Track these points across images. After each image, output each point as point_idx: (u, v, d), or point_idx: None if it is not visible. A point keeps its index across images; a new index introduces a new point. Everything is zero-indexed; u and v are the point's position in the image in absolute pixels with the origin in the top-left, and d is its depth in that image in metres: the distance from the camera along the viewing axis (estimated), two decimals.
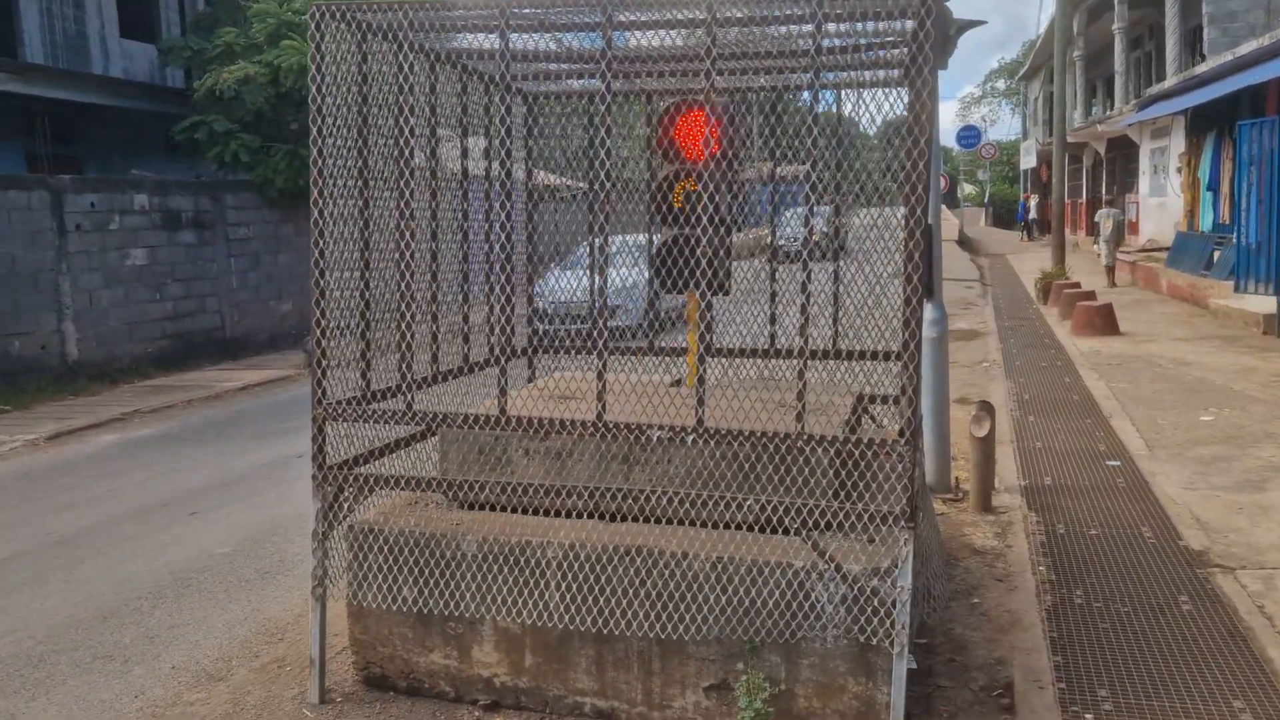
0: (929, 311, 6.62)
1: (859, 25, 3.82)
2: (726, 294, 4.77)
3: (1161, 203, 22.07)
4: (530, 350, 5.29)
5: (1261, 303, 12.73)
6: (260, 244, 16.27)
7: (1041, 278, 18.71)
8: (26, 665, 4.52)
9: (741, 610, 3.52)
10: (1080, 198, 35.49)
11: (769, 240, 5.14)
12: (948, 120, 78.97)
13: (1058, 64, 21.40)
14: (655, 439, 3.58)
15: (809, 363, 5.07)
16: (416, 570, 3.81)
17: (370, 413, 3.87)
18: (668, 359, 5.27)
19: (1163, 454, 7.34)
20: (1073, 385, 10.20)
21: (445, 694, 3.96)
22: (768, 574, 3.52)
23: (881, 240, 4.23)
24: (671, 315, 6.06)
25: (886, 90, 4.33)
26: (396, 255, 4.02)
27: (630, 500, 3.63)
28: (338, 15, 3.67)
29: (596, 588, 3.61)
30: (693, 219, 4.07)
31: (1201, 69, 17.89)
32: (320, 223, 3.73)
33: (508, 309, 4.10)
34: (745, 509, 3.54)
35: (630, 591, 3.59)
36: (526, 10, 3.62)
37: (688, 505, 3.61)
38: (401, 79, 3.79)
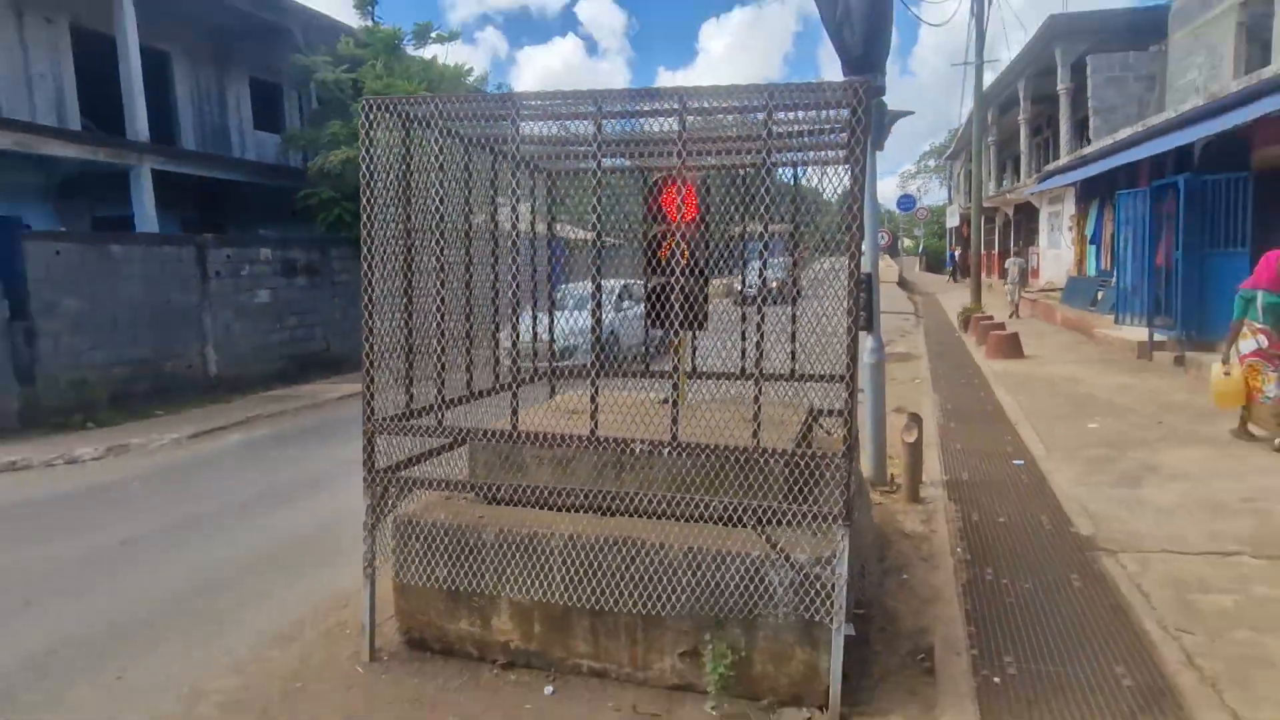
0: (869, 342, 6.37)
1: (809, 114, 3.62)
2: (703, 329, 4.55)
3: (1057, 254, 21.72)
4: (540, 376, 5.07)
5: (1136, 333, 12.42)
6: (356, 286, 15.98)
7: (962, 312, 18.42)
8: (143, 628, 4.34)
9: (709, 591, 3.31)
10: (994, 249, 35.08)
11: (739, 286, 4.94)
12: (891, 190, 78.85)
13: (975, 147, 21.15)
14: (638, 451, 3.36)
15: (775, 382, 4.91)
16: (447, 555, 3.62)
17: (409, 427, 3.67)
18: (659, 379, 5.07)
19: (1058, 455, 7.05)
20: (986, 399, 9.90)
21: (471, 655, 3.76)
22: (730, 562, 3.31)
23: (830, 285, 4.01)
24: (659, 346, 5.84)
25: (834, 166, 4.19)
26: (434, 298, 3.83)
27: (618, 500, 3.42)
28: (385, 106, 3.50)
29: (591, 571, 3.40)
30: (676, 268, 3.86)
31: (1088, 150, 17.64)
32: (369, 274, 3.56)
33: (519, 344, 3.90)
34: (711, 508, 3.31)
35: (619, 574, 3.38)
36: (534, 102, 3.43)
37: (666, 504, 3.39)
38: (435, 156, 3.62)
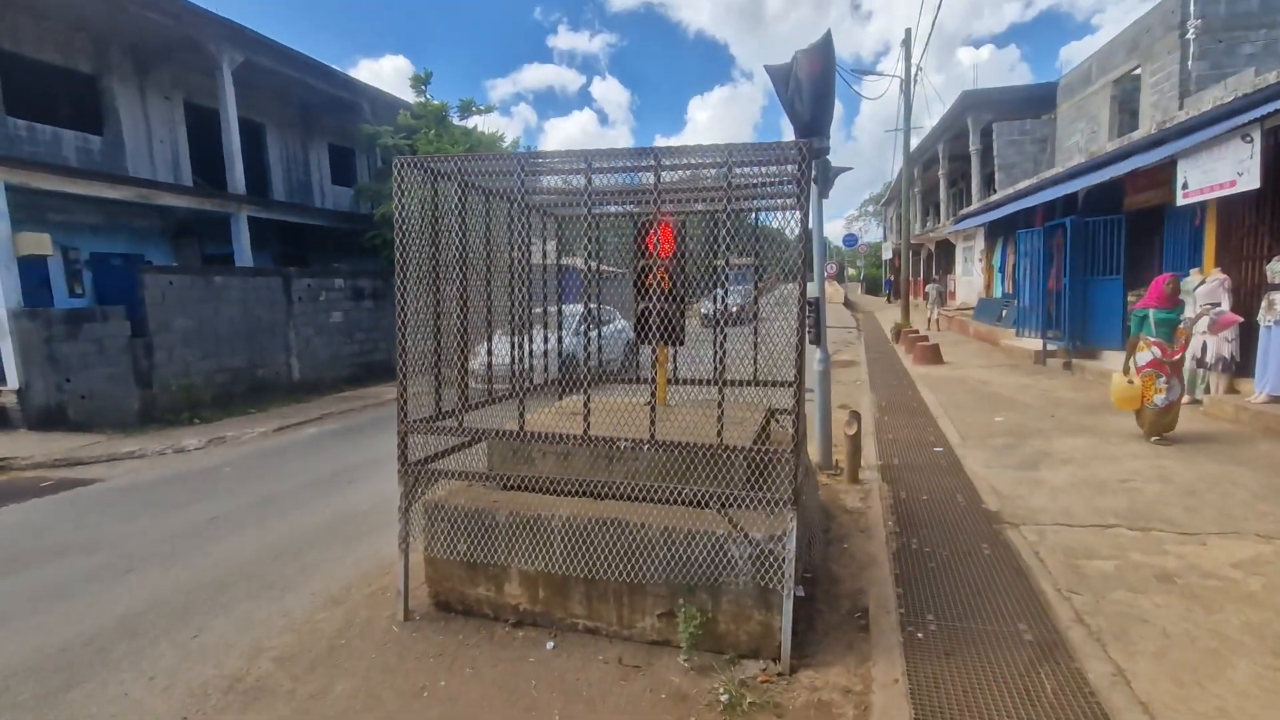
0: (817, 354, 6.21)
1: (767, 169, 3.45)
2: (681, 344, 4.39)
3: (970, 280, 21.50)
4: (552, 382, 4.90)
5: (1033, 343, 12.22)
6: None
7: (894, 327, 18.17)
8: (217, 591, 4.17)
9: (681, 563, 3.14)
10: (920, 276, 34.88)
11: (711, 309, 4.80)
12: (839, 229, 78.57)
13: (904, 196, 20.97)
14: (623, 448, 3.20)
15: (741, 387, 4.75)
16: (467, 533, 3.45)
17: (435, 428, 3.51)
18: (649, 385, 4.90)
19: (971, 443, 6.87)
20: (913, 396, 9.71)
21: (487, 615, 3.59)
22: (699, 539, 3.14)
23: (784, 308, 3.86)
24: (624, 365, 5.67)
25: (787, 211, 4.04)
26: (458, 319, 3.68)
27: (608, 487, 3.25)
28: (413, 164, 3.35)
29: (585, 546, 3.23)
30: (655, 295, 3.71)
31: (994, 198, 17.44)
32: (402, 301, 3.40)
33: (527, 359, 3.74)
34: (683, 495, 3.15)
35: (607, 549, 3.21)
36: (539, 160, 3.28)
37: (647, 491, 3.22)
38: (456, 204, 3.46)
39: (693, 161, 3.03)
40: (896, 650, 3.16)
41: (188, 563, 4.63)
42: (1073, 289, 10.90)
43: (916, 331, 16.13)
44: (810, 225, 6.28)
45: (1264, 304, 6.81)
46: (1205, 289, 7.62)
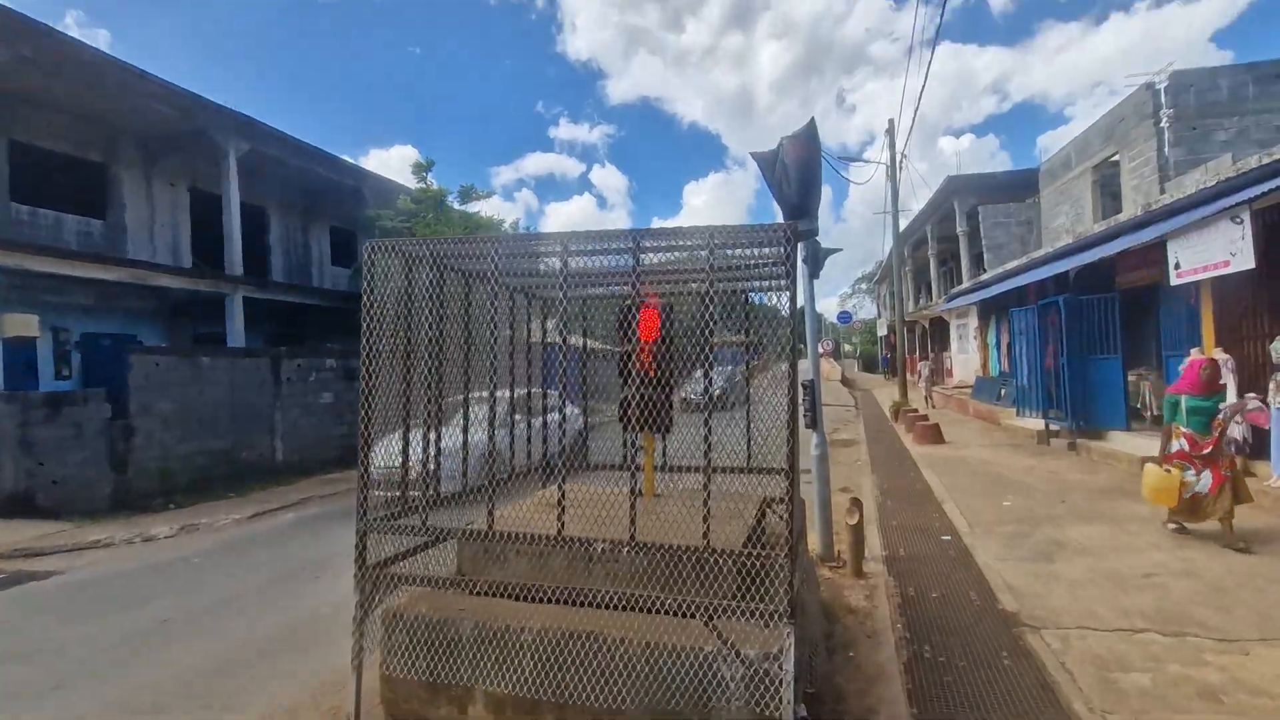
0: (814, 437, 5.95)
1: (759, 250, 3.30)
2: (668, 432, 4.14)
3: (966, 358, 21.46)
4: (518, 474, 4.60)
5: (1034, 423, 11.96)
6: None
7: (893, 405, 17.96)
8: (150, 713, 3.70)
9: (666, 685, 2.77)
10: (915, 354, 35.00)
11: (691, 393, 4.57)
12: (833, 307, 79.80)
13: (895, 276, 21.26)
14: (599, 551, 2.90)
15: (735, 474, 4.46)
16: (428, 647, 3.08)
17: (396, 527, 3.20)
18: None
19: (979, 531, 6.49)
20: (916, 478, 9.36)
21: None
22: (685, 656, 2.78)
23: (775, 391, 3.64)
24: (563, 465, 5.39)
25: (776, 293, 3.92)
26: (431, 406, 3.44)
27: (584, 595, 2.92)
28: (384, 247, 3.21)
29: (558, 664, 2.87)
30: (634, 381, 3.50)
31: (984, 278, 17.62)
32: (368, 390, 3.17)
33: (497, 449, 3.48)
34: (666, 605, 2.82)
35: (583, 668, 2.84)
36: (514, 244, 3.14)
37: (628, 598, 2.89)
38: (425, 287, 3.29)
39: (674, 244, 2.89)
40: None
41: (125, 676, 4.17)
42: (1071, 368, 10.75)
43: (916, 410, 15.89)
44: (801, 305, 6.17)
45: (1272, 385, 6.62)
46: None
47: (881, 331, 44.89)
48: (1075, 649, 3.92)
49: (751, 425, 4.37)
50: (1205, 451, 5.64)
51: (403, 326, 3.33)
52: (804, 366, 6.05)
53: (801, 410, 5.92)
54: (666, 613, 2.90)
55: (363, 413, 3.14)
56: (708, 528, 2.79)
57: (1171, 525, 5.97)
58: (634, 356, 3.88)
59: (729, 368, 4.66)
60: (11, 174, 11.52)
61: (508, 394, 3.89)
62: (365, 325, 3.15)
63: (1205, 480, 5.59)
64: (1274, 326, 7.19)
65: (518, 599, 3.27)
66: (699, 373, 3.48)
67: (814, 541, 5.96)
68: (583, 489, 4.05)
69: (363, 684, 3.23)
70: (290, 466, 12.27)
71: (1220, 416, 5.68)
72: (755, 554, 2.75)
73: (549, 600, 3.02)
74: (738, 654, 2.70)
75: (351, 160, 16.64)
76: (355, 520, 3.17)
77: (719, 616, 2.75)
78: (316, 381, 13.13)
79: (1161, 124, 12.75)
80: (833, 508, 6.17)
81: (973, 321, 19.88)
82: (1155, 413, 10.48)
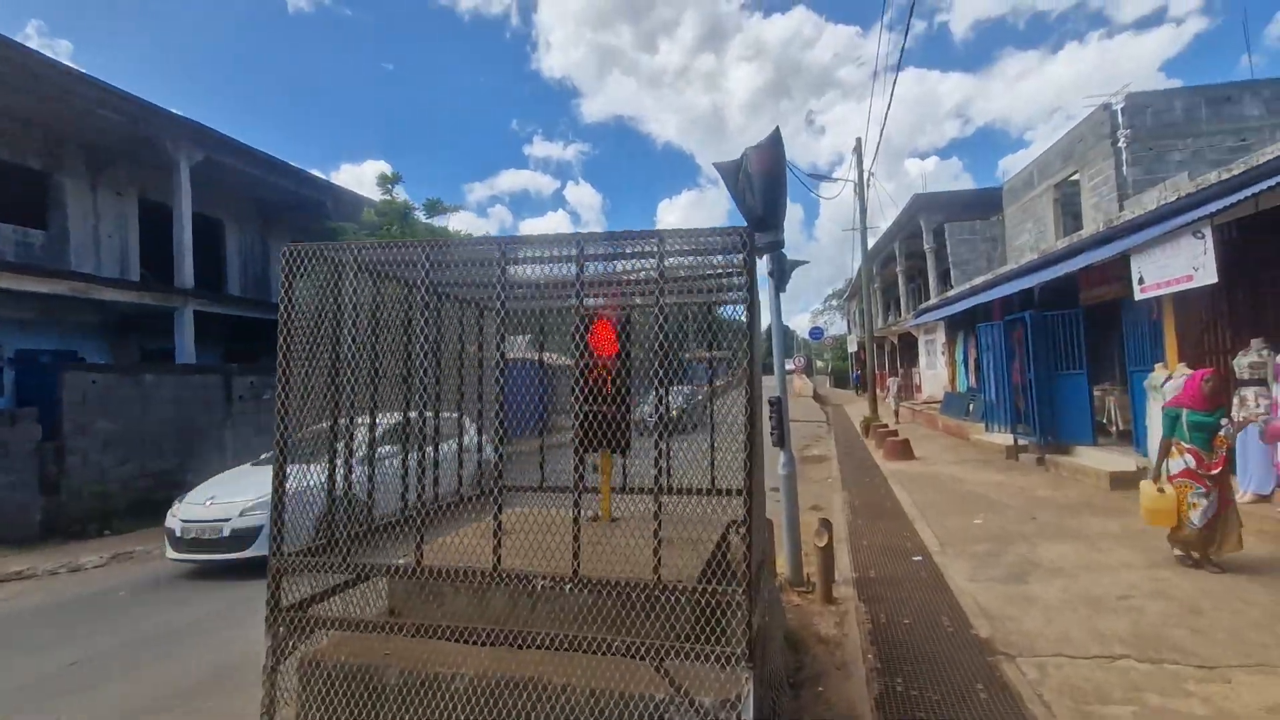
0: (782, 456, 5.73)
1: (721, 259, 3.07)
2: (625, 452, 3.87)
3: (934, 373, 21.60)
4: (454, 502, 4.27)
5: (1002, 438, 11.95)
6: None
7: (863, 421, 17.95)
8: None
9: None
10: (884, 369, 35.34)
11: (648, 413, 4.31)
12: (805, 323, 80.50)
13: (865, 293, 21.39)
14: (539, 587, 2.61)
15: (696, 497, 4.19)
16: (349, 699, 2.73)
17: (313, 564, 2.87)
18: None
19: (951, 551, 6.32)
20: (886, 495, 9.21)
21: None
22: (634, 705, 2.49)
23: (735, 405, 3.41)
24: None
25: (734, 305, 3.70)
26: (360, 431, 3.12)
27: (525, 637, 2.62)
28: (306, 252, 2.90)
29: (494, 716, 2.55)
30: (583, 397, 3.25)
31: (951, 294, 17.79)
32: (283, 410, 2.85)
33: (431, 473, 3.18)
34: (613, 646, 2.53)
35: (522, 718, 2.54)
36: (445, 249, 2.87)
37: (573, 640, 2.59)
38: (351, 295, 2.99)
39: (622, 250, 2.65)
40: None
41: None
42: (1038, 383, 10.76)
43: (886, 426, 15.86)
44: (769, 320, 5.97)
45: (1235, 401, 6.60)
46: (1172, 385, 7.43)
47: (852, 348, 45.34)
48: (1052, 679, 3.72)
49: (717, 444, 4.12)
50: (1215, 471, 5.21)
51: (329, 341, 3.02)
52: (771, 382, 5.85)
53: (769, 427, 5.70)
54: (618, 653, 2.61)
55: (277, 436, 2.82)
56: (658, 561, 2.52)
57: (1179, 553, 5.45)
58: (587, 371, 3.62)
59: (688, 387, 4.42)
60: None
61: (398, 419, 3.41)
62: (282, 339, 2.84)
63: (1214, 503, 5.17)
64: (1236, 341, 7.21)
65: (456, 640, 2.95)
66: (652, 393, 3.22)
67: (782, 564, 5.72)
68: (538, 514, 3.76)
69: None
70: None
71: (1223, 433, 5.30)
72: (710, 589, 2.49)
73: (484, 642, 2.71)
74: (691, 702, 2.43)
75: (317, 173, 16.20)
76: (268, 558, 2.83)
77: (670, 659, 2.47)
78: (270, 398, 12.58)
79: (1119, 143, 13.00)
80: (802, 529, 5.95)
81: (940, 337, 20.04)
82: (1121, 427, 10.52)
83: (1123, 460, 9.02)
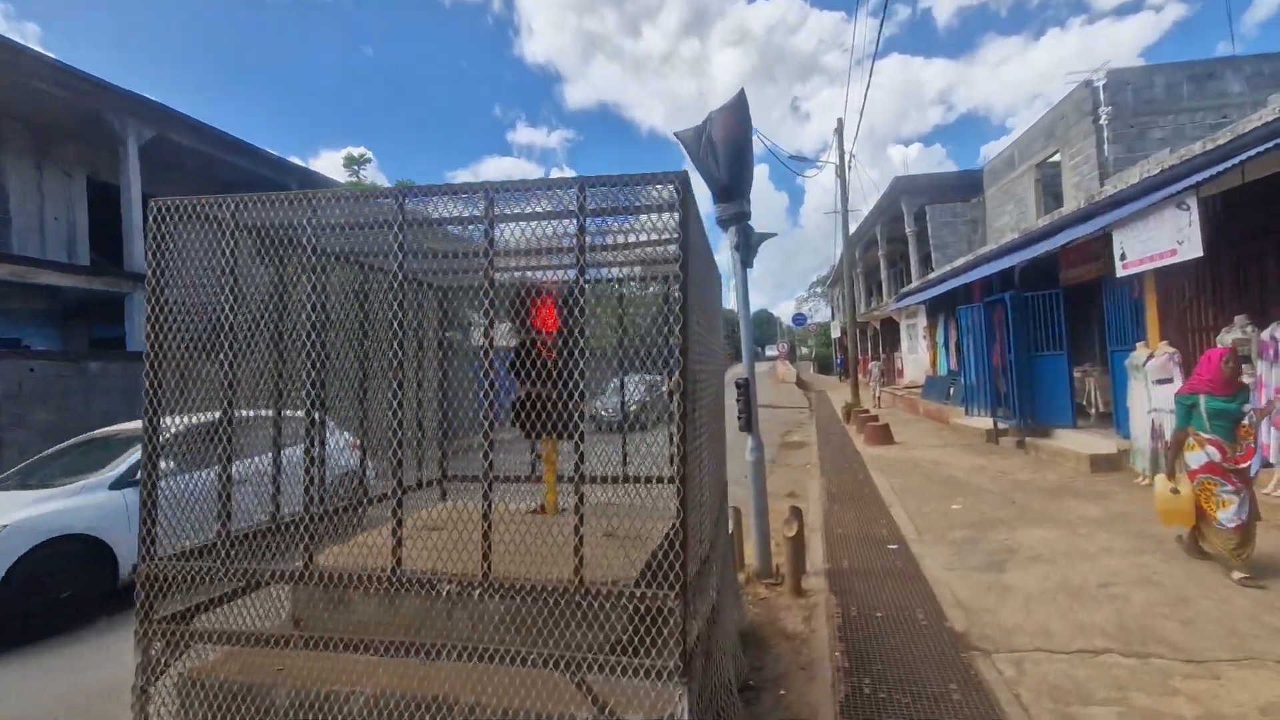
0: (749, 441, 5.41)
1: (648, 219, 2.69)
2: (572, 439, 3.52)
3: (915, 357, 21.45)
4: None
5: (982, 422, 11.76)
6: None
7: (845, 406, 17.74)
8: None
9: None
10: (867, 354, 35.26)
11: (604, 407, 3.94)
12: (790, 310, 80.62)
13: (847, 277, 21.14)
14: (445, 593, 2.25)
15: (651, 485, 3.85)
16: None
17: (191, 569, 2.49)
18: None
19: (928, 538, 6.06)
20: (864, 481, 8.96)
21: None
22: None
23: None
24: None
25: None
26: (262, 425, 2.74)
27: (436, 648, 2.27)
28: (174, 208, 2.50)
29: None
30: (542, 378, 2.90)
31: (932, 276, 17.57)
32: (154, 390, 2.45)
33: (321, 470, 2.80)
34: (529, 660, 2.19)
35: None
36: (334, 203, 2.47)
37: (491, 649, 2.25)
38: (228, 256, 2.58)
39: (539, 209, 2.28)
40: None
41: None
42: (1018, 365, 10.54)
43: (867, 411, 15.66)
44: (738, 297, 5.62)
45: None
46: (1155, 364, 7.21)
47: (835, 334, 45.29)
48: (1031, 676, 3.45)
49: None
50: (1243, 465, 4.62)
51: (221, 306, 2.61)
52: (739, 369, 5.52)
53: (736, 410, 5.38)
54: (531, 666, 2.27)
55: (147, 423, 2.43)
56: (580, 560, 2.17)
57: (1241, 577, 4.50)
58: (527, 350, 3.26)
59: (653, 376, 4.07)
60: None
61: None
62: (151, 310, 2.44)
63: (1245, 501, 4.54)
64: (1219, 318, 6.99)
65: (361, 651, 2.59)
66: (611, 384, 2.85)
67: (750, 555, 5.42)
68: (473, 508, 3.40)
69: None
70: None
71: (1247, 421, 4.69)
72: (640, 594, 2.15)
73: (385, 653, 2.35)
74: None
75: (287, 156, 15.56)
76: (139, 562, 2.44)
77: (593, 672, 2.14)
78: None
79: (1101, 121, 12.76)
80: (773, 517, 5.65)
81: (922, 321, 19.87)
82: (1101, 409, 10.34)
83: (1103, 442, 8.83)
